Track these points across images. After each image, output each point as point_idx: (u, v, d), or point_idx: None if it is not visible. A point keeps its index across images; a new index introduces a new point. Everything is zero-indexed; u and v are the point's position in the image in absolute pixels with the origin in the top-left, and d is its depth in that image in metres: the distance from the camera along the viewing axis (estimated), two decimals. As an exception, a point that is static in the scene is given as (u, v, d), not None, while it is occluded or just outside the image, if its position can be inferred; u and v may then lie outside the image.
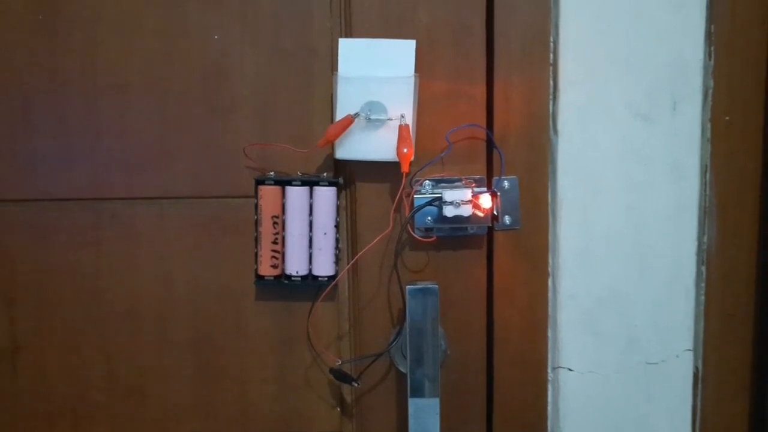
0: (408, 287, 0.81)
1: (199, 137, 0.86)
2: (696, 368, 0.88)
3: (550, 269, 0.87)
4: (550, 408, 0.89)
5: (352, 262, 0.86)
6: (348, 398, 0.90)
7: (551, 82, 0.84)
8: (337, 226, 0.85)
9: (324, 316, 0.89)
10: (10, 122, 0.86)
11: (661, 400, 0.88)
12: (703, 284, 0.87)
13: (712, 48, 0.84)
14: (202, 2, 0.84)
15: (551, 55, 0.84)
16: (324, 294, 0.85)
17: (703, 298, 0.87)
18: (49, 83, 0.86)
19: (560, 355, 0.87)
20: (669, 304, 0.87)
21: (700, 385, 0.88)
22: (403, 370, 0.86)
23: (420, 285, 0.81)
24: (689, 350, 0.88)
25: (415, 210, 0.82)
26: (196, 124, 0.86)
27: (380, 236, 0.82)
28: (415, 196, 0.83)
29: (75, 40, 0.85)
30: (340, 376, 0.85)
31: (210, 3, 0.84)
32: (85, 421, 0.90)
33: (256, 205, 0.84)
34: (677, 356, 0.87)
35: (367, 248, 0.83)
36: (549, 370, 0.88)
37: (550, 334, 0.88)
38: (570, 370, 0.87)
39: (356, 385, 0.84)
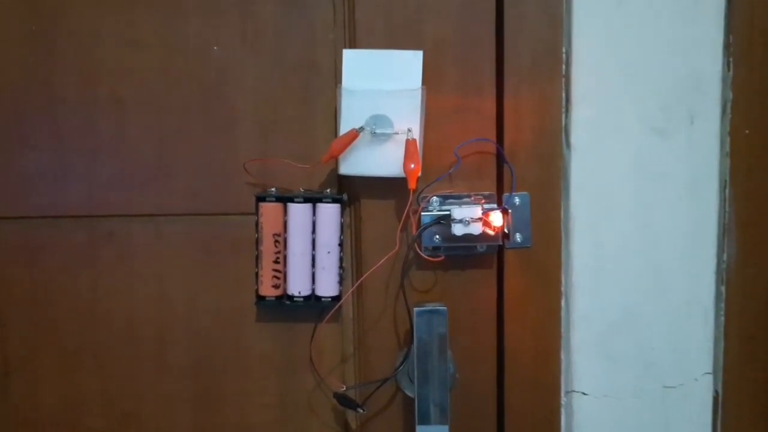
0: (415, 309, 0.78)
1: (198, 153, 0.83)
2: (716, 392, 0.85)
3: (562, 289, 0.83)
4: (563, 433, 0.85)
5: (357, 284, 0.83)
6: (353, 424, 0.86)
7: (563, 95, 0.81)
8: (341, 245, 0.81)
9: (327, 338, 0.85)
10: (4, 137, 0.84)
11: (679, 425, 0.84)
12: (722, 305, 0.84)
13: (731, 59, 0.81)
14: (202, 15, 0.82)
15: (563, 67, 0.81)
16: (328, 316, 0.81)
17: (722, 319, 0.84)
18: (43, 97, 0.83)
19: (574, 378, 0.84)
20: (687, 325, 0.83)
21: (720, 410, 0.85)
22: (410, 394, 0.83)
23: (428, 307, 0.78)
24: (708, 373, 0.84)
25: (422, 228, 0.79)
26: (195, 139, 0.83)
27: (387, 257, 0.79)
28: (422, 213, 0.80)
29: (70, 53, 0.83)
30: (345, 401, 0.82)
31: (209, 16, 0.82)
32: (80, 447, 0.87)
33: (257, 223, 0.81)
34: (696, 380, 0.84)
35: (373, 269, 0.80)
36: (562, 395, 0.85)
37: (563, 356, 0.84)
38: (584, 394, 0.84)
39: (361, 411, 0.81)
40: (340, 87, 0.78)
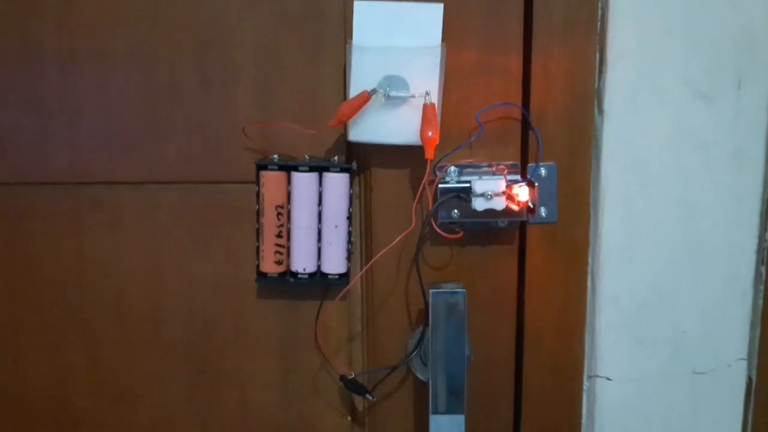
0: (431, 291, 0.71)
1: (192, 114, 0.75)
2: (749, 379, 0.79)
3: (589, 268, 0.77)
4: (584, 420, 0.80)
5: (368, 266, 0.76)
6: (360, 406, 0.81)
7: (598, 55, 0.73)
8: (349, 218, 0.74)
9: (334, 317, 0.79)
10: (-24, 95, 0.76)
11: (710, 412, 0.79)
12: (761, 286, 0.77)
13: (787, 16, 0.73)
14: (195, -44, 0.73)
15: (599, 23, 0.73)
16: (338, 297, 0.75)
17: (761, 301, 0.78)
18: (18, 49, 0.75)
19: (598, 362, 0.78)
20: (722, 308, 0.77)
21: (752, 397, 0.80)
22: (422, 378, 0.77)
23: (445, 288, 0.71)
24: (743, 359, 0.78)
25: (438, 203, 0.72)
26: (188, 99, 0.75)
27: (401, 235, 0.72)
28: (439, 185, 0.73)
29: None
30: (353, 385, 0.76)
31: (203, -43, 0.73)
32: (69, 428, 0.82)
33: (258, 193, 0.74)
34: (729, 365, 0.78)
35: (385, 250, 0.73)
36: (584, 379, 0.79)
37: (587, 339, 0.78)
38: (608, 379, 0.78)
39: (371, 398, 0.75)
40: (350, 43, 0.70)
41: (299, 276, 0.75)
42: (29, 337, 0.80)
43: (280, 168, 0.74)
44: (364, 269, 0.76)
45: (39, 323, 0.80)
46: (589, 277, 0.77)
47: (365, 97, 0.70)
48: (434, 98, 0.70)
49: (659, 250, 0.76)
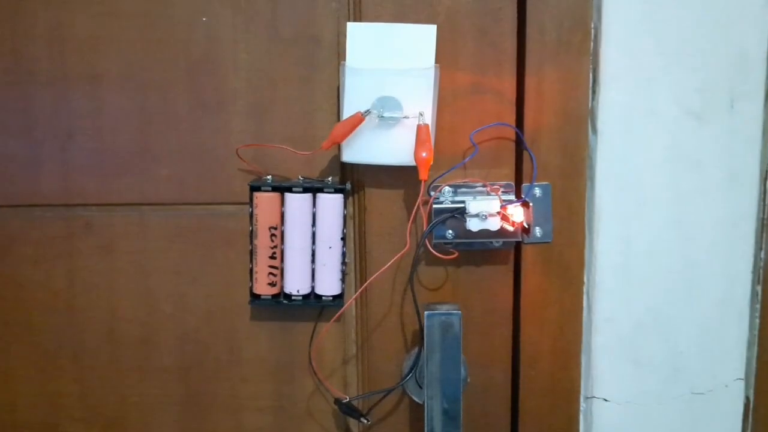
0: (426, 312, 0.70)
1: (185, 136, 0.75)
2: (747, 399, 0.79)
3: (585, 288, 0.77)
4: (581, 442, 0.79)
5: (362, 288, 0.75)
6: (355, 430, 0.80)
7: (591, 76, 0.73)
8: (343, 239, 0.74)
9: (328, 339, 0.78)
10: (-32, 117, 0.75)
11: (707, 434, 0.79)
12: (758, 306, 0.77)
13: (778, 37, 0.73)
14: (188, -21, 0.73)
15: (592, 45, 0.73)
16: (332, 320, 0.75)
17: (757, 321, 0.77)
18: (11, 72, 0.75)
19: (594, 383, 0.77)
20: (719, 328, 0.77)
21: (750, 418, 0.79)
22: (417, 400, 0.76)
23: (440, 310, 0.71)
24: (740, 379, 0.78)
25: (433, 224, 0.71)
26: (181, 121, 0.75)
27: (397, 256, 0.71)
28: (433, 205, 0.72)
29: (41, 23, 0.74)
30: (347, 409, 0.75)
31: (197, -20, 0.73)
32: (59, 455, 0.80)
33: (251, 214, 0.74)
34: (726, 386, 0.78)
35: (381, 270, 0.72)
36: (581, 401, 0.78)
37: (583, 360, 0.78)
38: (605, 400, 0.78)
39: (366, 422, 0.74)
40: (344, 65, 0.70)
41: (293, 298, 0.74)
42: (19, 362, 0.79)
43: (274, 189, 0.73)
44: (358, 291, 0.76)
45: (29, 347, 0.79)
46: (584, 297, 0.77)
47: (359, 118, 0.69)
48: (428, 119, 0.70)
49: (655, 270, 0.76)
